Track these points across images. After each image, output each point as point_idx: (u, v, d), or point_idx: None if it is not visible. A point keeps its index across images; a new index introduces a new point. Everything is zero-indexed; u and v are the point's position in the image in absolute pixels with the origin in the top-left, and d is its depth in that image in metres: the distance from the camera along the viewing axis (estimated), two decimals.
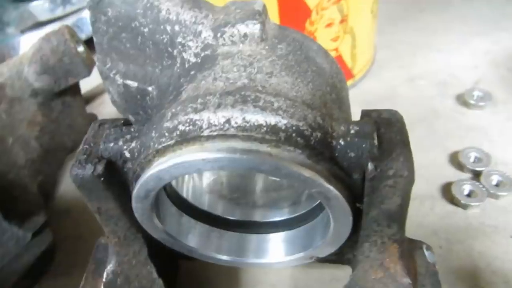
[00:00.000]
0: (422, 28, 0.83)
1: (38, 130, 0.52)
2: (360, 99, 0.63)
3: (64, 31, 0.52)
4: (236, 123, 0.28)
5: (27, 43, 0.82)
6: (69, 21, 0.84)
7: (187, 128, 0.28)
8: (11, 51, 0.82)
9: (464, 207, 0.50)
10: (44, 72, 0.52)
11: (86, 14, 0.86)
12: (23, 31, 0.84)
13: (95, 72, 0.58)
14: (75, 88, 0.59)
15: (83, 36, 0.81)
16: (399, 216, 0.32)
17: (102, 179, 0.31)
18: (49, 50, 0.52)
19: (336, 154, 0.29)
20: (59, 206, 0.58)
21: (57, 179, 0.60)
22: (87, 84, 0.72)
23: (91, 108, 0.72)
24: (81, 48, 0.54)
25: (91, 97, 0.74)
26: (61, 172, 0.62)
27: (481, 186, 0.51)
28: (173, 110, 0.30)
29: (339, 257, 0.39)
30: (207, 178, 0.43)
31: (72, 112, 0.58)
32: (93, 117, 0.65)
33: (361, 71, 0.71)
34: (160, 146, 0.29)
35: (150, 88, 0.38)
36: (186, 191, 0.40)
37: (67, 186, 0.61)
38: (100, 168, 0.31)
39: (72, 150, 0.61)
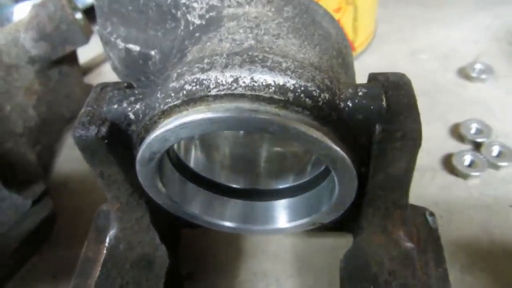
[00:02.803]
0: (424, 2, 0.82)
1: (36, 99, 0.51)
2: (362, 73, 0.63)
3: None
4: (244, 82, 0.27)
5: (20, 13, 0.80)
6: None
7: (194, 88, 0.28)
8: (4, 22, 0.80)
9: (465, 177, 0.50)
10: (41, 39, 0.51)
11: None
12: (16, 1, 0.81)
13: (92, 43, 0.57)
14: (73, 57, 0.58)
15: (79, 6, 0.80)
16: (404, 181, 0.32)
17: (106, 141, 0.30)
18: (46, 16, 0.50)
19: (344, 117, 0.29)
20: (57, 178, 0.58)
21: (55, 149, 0.60)
22: (84, 55, 0.70)
23: (88, 80, 0.71)
24: (78, 15, 0.52)
25: (88, 68, 0.73)
26: (59, 144, 0.62)
27: (481, 156, 0.51)
28: (179, 70, 0.29)
29: (341, 225, 0.39)
30: (210, 148, 0.42)
31: (70, 81, 0.57)
32: (90, 88, 0.64)
33: (362, 45, 0.71)
34: (166, 107, 0.28)
35: (152, 52, 0.37)
36: (189, 159, 0.40)
37: (65, 158, 0.60)
38: (104, 130, 0.30)
39: (70, 121, 0.60)
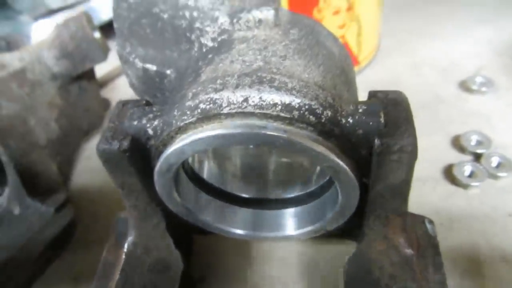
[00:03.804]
0: (426, 16, 0.84)
1: (57, 113, 0.54)
2: (365, 86, 0.65)
3: (82, 17, 0.55)
4: (253, 101, 0.30)
5: (39, 30, 0.84)
6: (79, 9, 0.86)
7: (208, 106, 0.30)
8: (24, 39, 0.84)
9: (465, 187, 0.52)
10: (63, 57, 0.54)
11: (96, 2, 0.88)
12: (35, 19, 0.85)
13: (107, 60, 0.60)
14: (91, 73, 0.61)
15: (95, 23, 0.83)
16: (402, 191, 0.34)
17: (128, 154, 0.33)
18: (68, 36, 0.54)
19: (346, 132, 0.31)
20: (76, 187, 0.61)
21: (74, 160, 0.63)
22: (99, 71, 0.74)
23: (104, 93, 0.74)
24: (97, 34, 0.56)
25: (104, 83, 0.76)
26: (77, 155, 0.65)
27: (481, 167, 0.53)
28: (194, 90, 0.32)
29: (345, 232, 0.41)
30: (222, 161, 0.45)
31: (88, 96, 0.61)
32: (107, 102, 0.67)
33: (366, 59, 0.73)
34: (182, 124, 0.31)
35: (168, 71, 0.40)
36: (203, 170, 0.43)
37: (82, 168, 0.64)
38: (125, 144, 0.33)
39: (88, 133, 0.64)
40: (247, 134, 0.29)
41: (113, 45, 0.52)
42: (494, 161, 0.54)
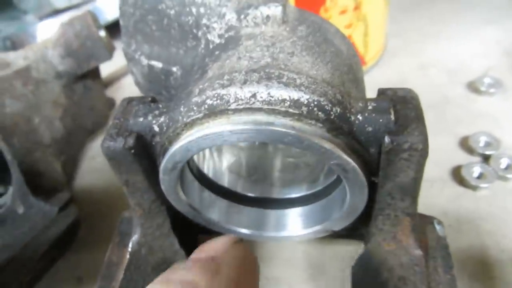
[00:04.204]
0: (433, 16, 0.84)
1: (62, 112, 0.54)
2: (372, 87, 0.64)
3: (87, 16, 0.54)
4: (261, 97, 0.29)
5: (45, 30, 0.84)
6: (85, 9, 0.86)
7: (215, 102, 0.30)
8: (29, 38, 0.84)
9: (474, 188, 0.52)
10: (67, 55, 0.54)
11: (101, 2, 0.88)
12: (40, 19, 0.85)
13: (112, 58, 0.60)
14: (96, 72, 0.61)
15: (101, 23, 0.83)
16: (412, 190, 0.34)
17: (132, 151, 0.33)
18: (73, 34, 0.54)
19: (354, 129, 0.31)
20: (79, 187, 0.61)
21: (77, 160, 0.63)
22: (105, 70, 0.74)
23: (109, 93, 0.74)
24: (102, 33, 0.56)
25: (109, 82, 0.76)
26: (81, 155, 0.64)
27: (490, 169, 0.52)
28: (201, 86, 0.32)
29: (352, 232, 0.41)
30: (227, 160, 0.45)
31: (93, 95, 0.60)
32: (111, 102, 0.67)
33: (372, 59, 0.73)
34: (188, 120, 0.31)
35: (174, 68, 0.40)
36: (208, 169, 0.42)
37: (86, 168, 0.63)
38: (130, 141, 0.33)
39: (92, 132, 0.63)
40: (255, 130, 0.29)
41: (118, 45, 0.52)
42: (503, 162, 0.53)
